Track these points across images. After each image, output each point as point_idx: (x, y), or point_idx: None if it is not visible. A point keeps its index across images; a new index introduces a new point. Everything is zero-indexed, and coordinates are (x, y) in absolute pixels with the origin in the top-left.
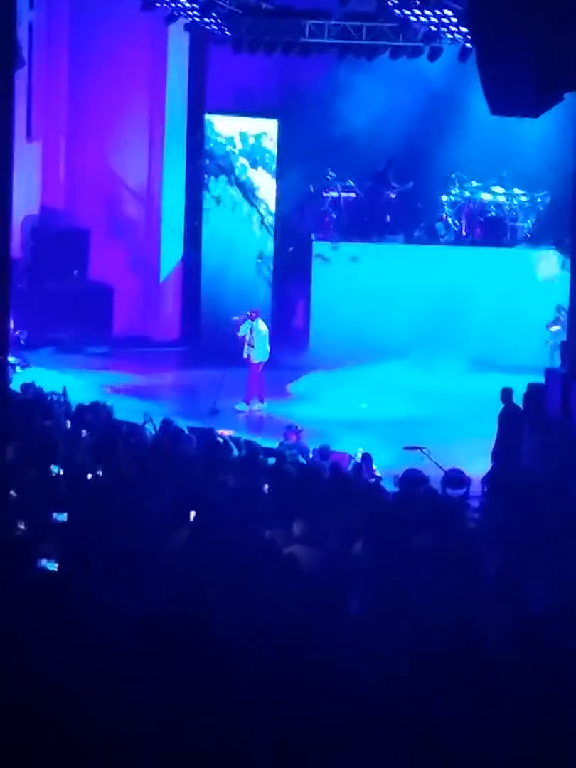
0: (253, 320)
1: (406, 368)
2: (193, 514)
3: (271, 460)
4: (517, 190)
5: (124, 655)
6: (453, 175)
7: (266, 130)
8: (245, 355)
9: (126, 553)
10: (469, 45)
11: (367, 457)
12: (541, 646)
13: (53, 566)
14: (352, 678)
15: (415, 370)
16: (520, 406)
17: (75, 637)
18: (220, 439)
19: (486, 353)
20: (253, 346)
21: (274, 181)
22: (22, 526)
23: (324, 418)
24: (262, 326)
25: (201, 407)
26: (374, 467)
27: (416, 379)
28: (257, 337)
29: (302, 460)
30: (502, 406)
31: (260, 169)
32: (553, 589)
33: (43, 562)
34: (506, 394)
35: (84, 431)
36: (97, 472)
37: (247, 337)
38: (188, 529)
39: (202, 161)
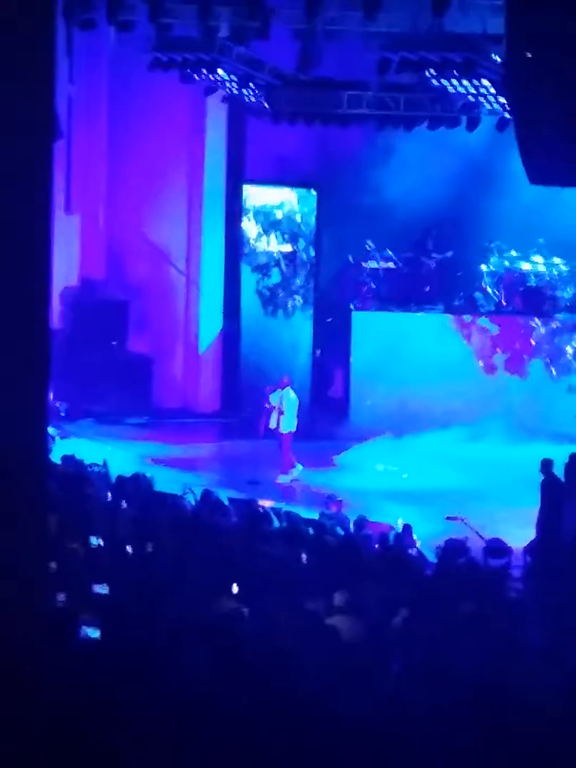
0: (282, 388)
1: (447, 438)
2: (235, 586)
3: (312, 531)
4: (556, 259)
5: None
6: (492, 245)
7: (306, 199)
8: (273, 425)
9: (168, 625)
10: (507, 115)
11: (407, 528)
12: None
13: (95, 634)
14: (394, 747)
15: (457, 440)
16: (561, 477)
17: (115, 705)
18: (261, 510)
19: (530, 422)
20: (283, 414)
21: (313, 251)
22: (62, 598)
23: (365, 489)
24: (292, 395)
25: (241, 478)
26: (415, 537)
27: (458, 449)
28: (288, 406)
29: (341, 531)
30: (542, 476)
31: (300, 239)
32: None
33: (86, 631)
34: (546, 465)
35: (124, 503)
36: (139, 544)
37: (277, 406)
38: (231, 600)
39: (240, 232)
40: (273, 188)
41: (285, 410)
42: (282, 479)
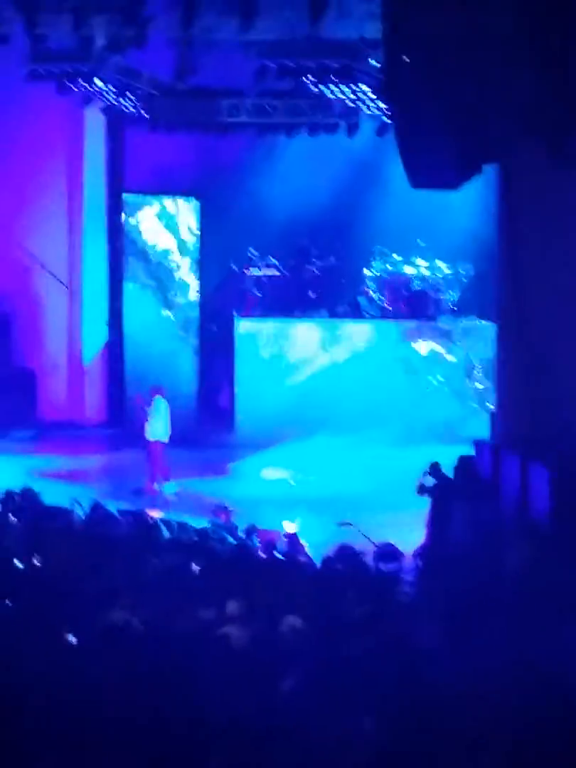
0: (153, 397)
1: (334, 443)
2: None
3: (201, 541)
4: (439, 263)
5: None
6: (375, 249)
7: (187, 209)
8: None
9: (58, 639)
10: (386, 120)
11: (295, 535)
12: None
13: None
14: (289, 754)
15: (343, 445)
16: (451, 479)
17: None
18: (150, 521)
19: (417, 425)
20: (149, 423)
21: (196, 260)
22: None
23: (254, 497)
24: (162, 403)
25: (129, 489)
26: (304, 543)
27: (345, 454)
28: (157, 414)
29: (231, 539)
30: (432, 479)
31: (182, 248)
32: (489, 657)
33: None
34: (435, 468)
35: (12, 516)
36: (28, 558)
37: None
38: (121, 612)
39: (122, 242)
40: (154, 198)
41: (154, 418)
42: (162, 488)
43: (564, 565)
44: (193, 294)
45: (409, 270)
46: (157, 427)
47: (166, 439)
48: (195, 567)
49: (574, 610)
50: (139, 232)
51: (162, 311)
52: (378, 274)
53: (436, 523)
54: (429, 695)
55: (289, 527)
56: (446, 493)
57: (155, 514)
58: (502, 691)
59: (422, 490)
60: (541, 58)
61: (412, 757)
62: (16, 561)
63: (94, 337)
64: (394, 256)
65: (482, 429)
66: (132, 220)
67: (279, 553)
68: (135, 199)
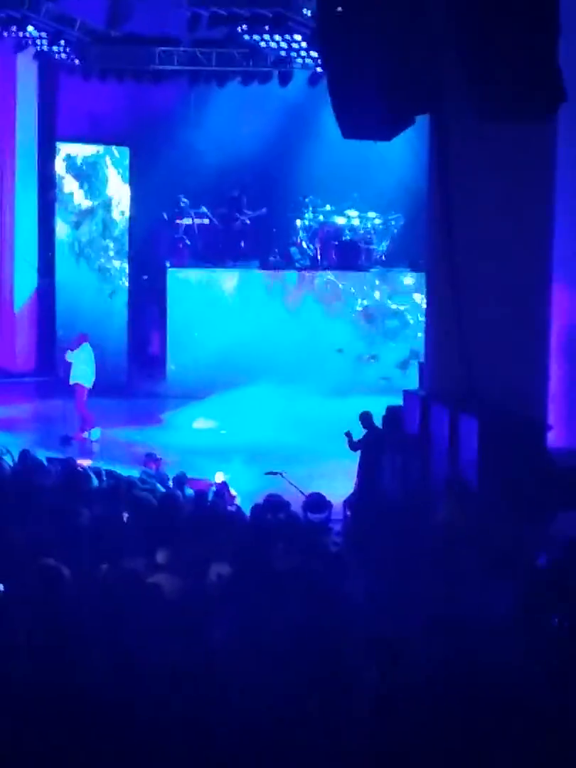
0: (80, 344)
1: (265, 394)
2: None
3: (131, 489)
4: (370, 213)
5: None
6: (307, 200)
7: (118, 156)
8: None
9: None
10: (319, 70)
11: (224, 484)
12: (404, 667)
13: None
14: (217, 704)
15: (274, 396)
16: (380, 429)
17: None
18: (80, 469)
19: (345, 376)
20: (73, 368)
21: (127, 208)
22: None
23: (184, 447)
24: (87, 349)
25: (58, 437)
26: (233, 493)
27: (275, 404)
28: (82, 360)
29: (161, 488)
30: (361, 428)
31: (113, 196)
32: (416, 608)
33: None
34: (365, 418)
35: None
36: None
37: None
38: (50, 559)
39: (53, 190)
40: (86, 145)
41: (78, 364)
42: (87, 435)
43: (490, 515)
44: (124, 242)
45: (340, 220)
46: (81, 371)
47: (89, 385)
48: (124, 516)
49: (499, 560)
50: (70, 180)
51: (93, 260)
52: (309, 224)
53: (366, 473)
54: (355, 645)
55: (219, 477)
56: (376, 443)
57: (84, 462)
58: (427, 643)
59: (352, 443)
60: (469, 10)
61: (332, 706)
62: None
63: (24, 285)
64: (326, 206)
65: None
66: (63, 168)
67: (208, 502)
68: (66, 147)
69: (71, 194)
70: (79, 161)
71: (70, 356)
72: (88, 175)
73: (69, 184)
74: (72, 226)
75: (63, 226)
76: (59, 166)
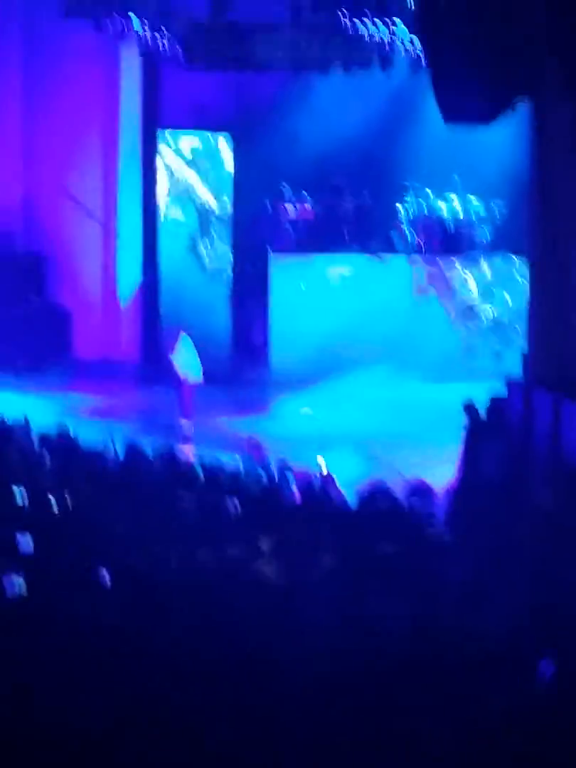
0: (179, 339)
1: (368, 381)
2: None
3: (233, 477)
4: (473, 199)
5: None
6: (408, 185)
7: (221, 145)
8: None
9: (92, 575)
10: (420, 55)
11: (327, 472)
12: (503, 657)
13: (20, 585)
14: (317, 689)
15: (377, 383)
16: (484, 418)
17: (41, 656)
18: (184, 458)
19: (447, 361)
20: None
21: (230, 197)
22: None
23: (288, 434)
24: (187, 342)
25: (162, 427)
26: (337, 480)
27: (378, 391)
28: (182, 353)
29: (264, 475)
30: (465, 417)
31: (216, 184)
32: (515, 598)
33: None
34: (469, 407)
35: (46, 454)
36: (62, 497)
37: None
38: (154, 548)
39: (156, 180)
40: (189, 135)
41: (183, 360)
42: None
43: None
44: (227, 231)
45: (442, 206)
46: (187, 366)
47: (197, 377)
48: (228, 504)
49: None
50: (174, 170)
51: (197, 248)
52: (411, 210)
53: (468, 461)
54: (458, 633)
55: (321, 462)
56: (479, 431)
57: (188, 451)
58: (530, 630)
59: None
60: None
61: (435, 690)
62: (51, 500)
63: (129, 275)
64: (428, 192)
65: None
66: (167, 157)
67: (312, 490)
68: (170, 136)
69: (175, 184)
70: (183, 150)
71: (173, 358)
72: (191, 163)
73: (172, 174)
74: (175, 215)
75: (166, 215)
76: (164, 155)
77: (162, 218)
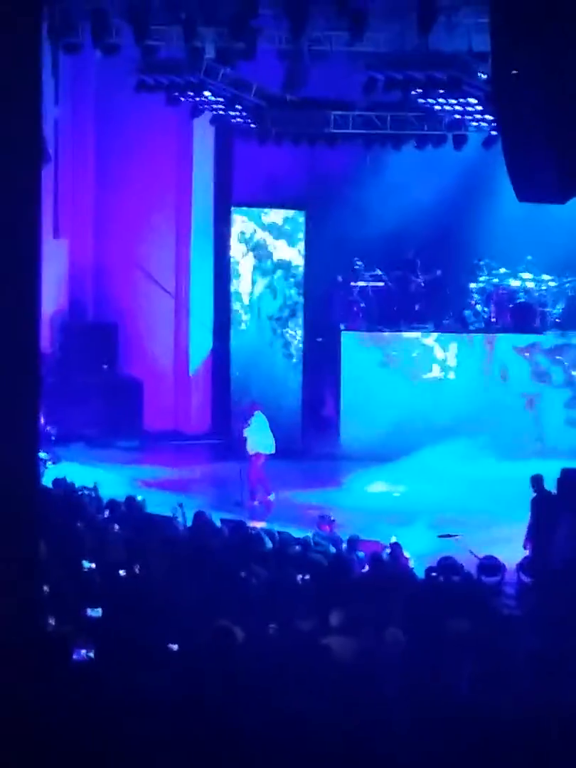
0: (252, 414)
1: (440, 457)
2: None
3: (303, 551)
4: (545, 276)
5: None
6: (481, 262)
7: (293, 220)
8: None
9: (161, 647)
10: (494, 132)
11: (397, 545)
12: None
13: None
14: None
15: (450, 459)
16: (553, 492)
17: (108, 727)
18: (253, 531)
19: (520, 438)
20: (248, 438)
21: (302, 271)
22: (52, 622)
23: (357, 508)
24: (260, 418)
25: (232, 500)
26: (407, 555)
27: (451, 467)
28: (256, 429)
29: (334, 550)
30: (532, 492)
31: (288, 260)
32: None
33: (80, 653)
34: (536, 481)
35: (116, 526)
36: (131, 567)
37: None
38: (222, 621)
39: (228, 253)
40: (262, 210)
41: (255, 435)
42: (272, 498)
43: None
44: (299, 305)
45: (514, 283)
46: (259, 440)
47: (269, 452)
48: (298, 577)
49: None
50: (246, 243)
51: (267, 321)
52: (484, 286)
53: (539, 536)
54: (534, 709)
55: (392, 539)
56: (549, 506)
57: (257, 524)
58: None
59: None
60: None
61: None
62: (120, 570)
63: (200, 347)
64: (501, 269)
65: None
66: (238, 231)
67: (382, 564)
68: (243, 210)
69: (247, 257)
70: (255, 224)
71: (247, 432)
72: (263, 238)
73: (244, 247)
74: (247, 289)
75: (239, 288)
76: (238, 229)
77: (233, 292)
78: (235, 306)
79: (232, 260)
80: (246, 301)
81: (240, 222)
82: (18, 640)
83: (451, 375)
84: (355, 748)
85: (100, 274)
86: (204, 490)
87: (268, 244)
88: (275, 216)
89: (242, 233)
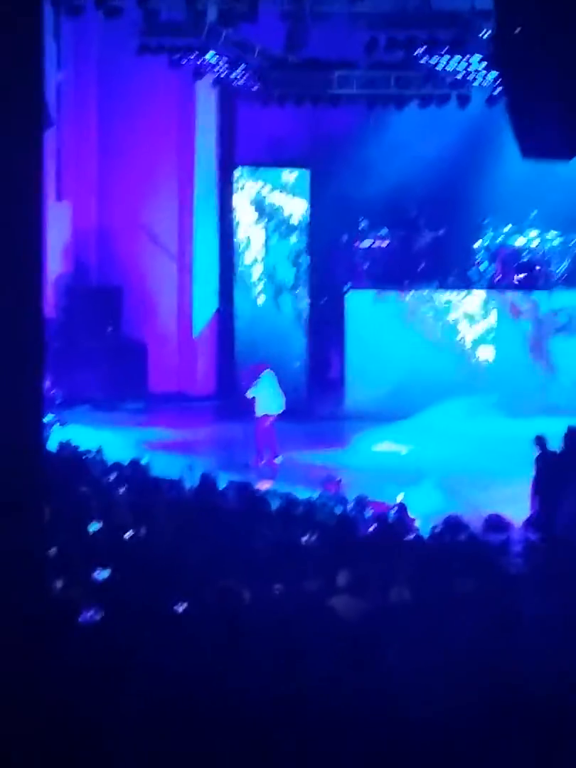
0: (260, 372)
1: (446, 416)
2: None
3: (310, 512)
4: (550, 234)
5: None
6: (486, 221)
7: (298, 180)
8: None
9: (169, 609)
10: (497, 91)
11: (403, 506)
12: None
13: (96, 619)
14: (391, 726)
15: (456, 418)
16: (557, 450)
17: (116, 687)
18: (259, 492)
19: (525, 396)
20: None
21: (306, 231)
22: (59, 585)
23: (364, 468)
24: (269, 377)
25: (238, 461)
26: (413, 515)
27: (457, 426)
28: (263, 389)
29: (340, 510)
30: (536, 449)
31: (292, 219)
32: None
33: (86, 615)
34: (540, 440)
35: (121, 488)
36: (137, 529)
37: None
38: (228, 583)
39: (232, 215)
40: (265, 170)
41: (262, 395)
42: (279, 460)
43: None
44: (304, 264)
45: (519, 241)
46: (266, 401)
47: (276, 412)
48: (303, 539)
49: None
50: (250, 203)
51: (271, 282)
52: (488, 245)
53: (544, 494)
54: (536, 667)
55: (400, 499)
56: (553, 464)
57: (264, 485)
58: None
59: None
60: None
61: (514, 727)
62: (125, 532)
63: (204, 310)
64: (505, 227)
65: None
66: (242, 192)
67: (388, 524)
68: (246, 171)
69: (251, 218)
70: (259, 185)
71: (251, 392)
72: (267, 198)
73: (247, 208)
74: (250, 250)
75: (241, 249)
76: (238, 190)
77: (237, 253)
78: (241, 267)
79: (236, 222)
80: (249, 260)
81: (250, 185)
82: (25, 602)
83: (455, 334)
84: (364, 710)
85: (104, 237)
86: (210, 451)
87: (276, 204)
88: (286, 176)
89: (257, 193)
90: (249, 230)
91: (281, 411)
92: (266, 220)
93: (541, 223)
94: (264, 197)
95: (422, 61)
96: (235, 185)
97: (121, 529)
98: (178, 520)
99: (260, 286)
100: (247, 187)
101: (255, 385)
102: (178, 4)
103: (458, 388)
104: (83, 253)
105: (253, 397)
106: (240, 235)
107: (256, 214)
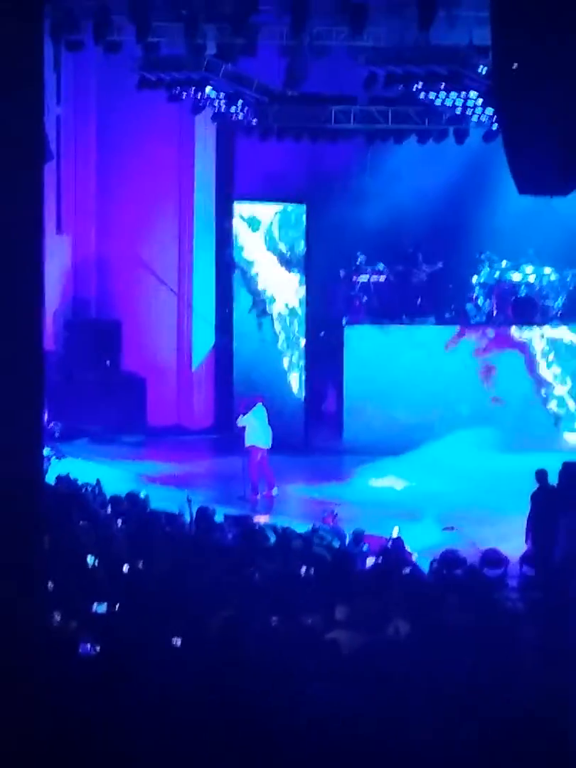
0: (253, 404)
1: (443, 451)
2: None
3: (306, 545)
4: (547, 269)
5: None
6: (483, 256)
7: (295, 215)
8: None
9: (168, 643)
10: (494, 126)
11: (399, 540)
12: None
13: (94, 652)
14: (389, 758)
15: (453, 453)
16: (554, 486)
17: (114, 720)
18: (256, 526)
19: (520, 432)
20: (247, 430)
21: (303, 265)
22: (57, 617)
23: (361, 502)
24: (261, 411)
25: (236, 494)
26: (410, 549)
27: (454, 461)
28: (255, 421)
29: (337, 544)
30: (536, 485)
31: (289, 254)
32: None
33: (86, 648)
34: (541, 475)
35: (119, 521)
36: (135, 562)
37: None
38: (227, 615)
39: (231, 249)
40: (263, 204)
41: (252, 426)
42: (275, 493)
43: None
44: (301, 300)
45: (516, 276)
46: (256, 433)
47: (265, 446)
48: (301, 571)
49: None
50: (248, 238)
51: (269, 317)
52: (485, 280)
53: (538, 530)
54: (533, 704)
55: (396, 532)
56: (550, 499)
57: (261, 519)
58: None
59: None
60: None
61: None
62: (123, 566)
63: (202, 343)
64: (502, 262)
65: None
66: (241, 227)
67: (386, 557)
68: (244, 206)
69: (249, 253)
70: (256, 219)
71: (242, 421)
72: (265, 233)
73: (246, 243)
74: (249, 285)
75: (240, 284)
76: (238, 224)
77: (236, 287)
78: (238, 302)
79: (242, 254)
80: (249, 296)
81: (244, 212)
82: (23, 635)
83: (452, 369)
84: (360, 740)
85: (103, 271)
86: (207, 485)
87: (267, 241)
88: (273, 212)
89: (242, 229)
90: (248, 264)
91: (268, 446)
92: (264, 254)
93: (538, 258)
94: (262, 231)
95: (420, 97)
96: (233, 219)
97: (119, 562)
98: (176, 553)
99: (258, 320)
100: (245, 221)
101: (246, 415)
102: (178, 39)
103: (458, 423)
104: (82, 287)
105: (243, 426)
106: (238, 268)
107: (254, 247)
